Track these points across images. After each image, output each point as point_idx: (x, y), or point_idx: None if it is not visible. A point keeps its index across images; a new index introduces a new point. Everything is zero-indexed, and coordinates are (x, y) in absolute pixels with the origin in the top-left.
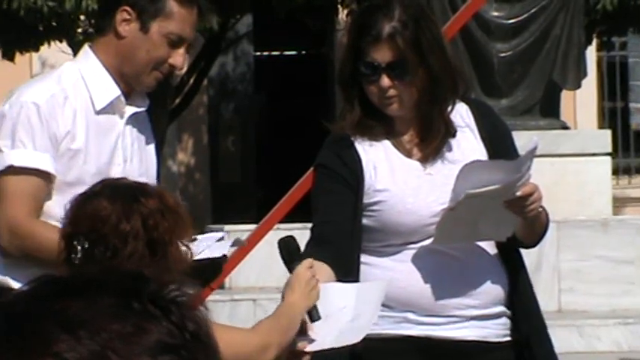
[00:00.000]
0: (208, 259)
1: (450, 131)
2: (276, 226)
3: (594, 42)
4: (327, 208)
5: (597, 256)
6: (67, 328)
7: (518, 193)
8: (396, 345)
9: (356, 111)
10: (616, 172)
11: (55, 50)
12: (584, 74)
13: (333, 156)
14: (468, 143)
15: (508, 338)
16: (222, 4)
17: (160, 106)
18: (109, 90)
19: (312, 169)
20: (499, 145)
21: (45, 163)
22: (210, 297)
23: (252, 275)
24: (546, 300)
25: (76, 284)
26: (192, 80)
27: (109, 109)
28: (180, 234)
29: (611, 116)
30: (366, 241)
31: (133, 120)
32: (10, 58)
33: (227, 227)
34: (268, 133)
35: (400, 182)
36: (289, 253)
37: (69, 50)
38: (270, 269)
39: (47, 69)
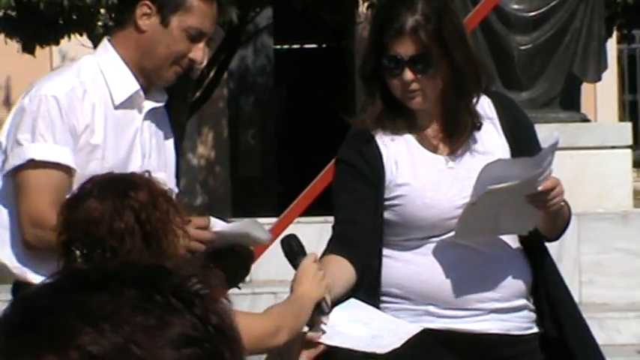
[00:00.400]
0: (234, 249)
1: (476, 124)
2: (296, 220)
3: (614, 35)
4: (348, 207)
5: (617, 248)
6: (90, 321)
7: (540, 188)
8: (416, 338)
9: (378, 105)
10: (636, 164)
11: (75, 44)
12: (605, 67)
13: (354, 152)
14: (490, 137)
15: (532, 331)
16: None
17: (180, 99)
18: (128, 84)
19: (332, 162)
20: (521, 137)
21: (65, 157)
22: (231, 290)
23: (272, 269)
24: None
25: (99, 277)
26: (212, 73)
27: (127, 103)
28: (174, 219)
29: (632, 109)
30: (387, 234)
31: (151, 115)
32: (31, 51)
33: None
34: (288, 127)
35: (421, 176)
36: (292, 250)
37: (89, 44)
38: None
39: (67, 62)
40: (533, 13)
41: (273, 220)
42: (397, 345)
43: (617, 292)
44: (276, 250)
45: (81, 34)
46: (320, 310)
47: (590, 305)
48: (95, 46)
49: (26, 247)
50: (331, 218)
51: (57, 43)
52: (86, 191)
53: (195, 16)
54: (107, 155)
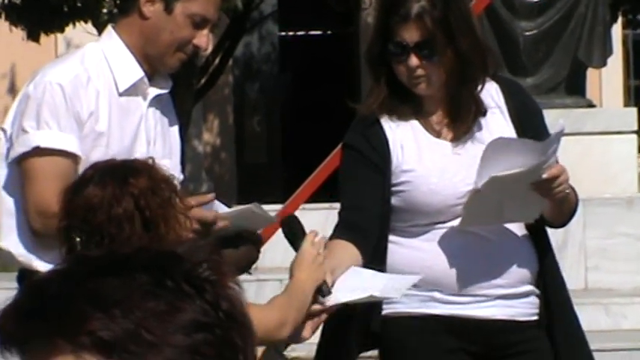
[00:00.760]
0: (242, 235)
1: (481, 110)
2: (302, 206)
3: (619, 20)
4: (354, 193)
5: (623, 233)
6: (101, 307)
7: (545, 176)
8: (422, 324)
9: (384, 90)
10: None
11: (80, 31)
12: (610, 52)
13: (360, 137)
14: (496, 124)
15: (536, 317)
16: None
17: (185, 86)
18: (133, 71)
19: (338, 148)
20: (528, 124)
21: (71, 144)
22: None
23: (277, 256)
24: (573, 278)
25: (110, 263)
26: (217, 60)
27: (132, 90)
28: (175, 205)
29: (637, 94)
30: (393, 220)
31: (156, 102)
32: (35, 39)
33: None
34: (294, 113)
35: (426, 162)
36: (293, 232)
37: (94, 31)
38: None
39: (72, 50)
40: None
41: (279, 206)
42: (401, 292)
43: (623, 277)
44: (281, 237)
45: (86, 22)
46: (321, 292)
47: (596, 290)
48: (100, 33)
49: (33, 234)
50: (337, 204)
51: (62, 31)
52: (86, 178)
53: (199, 3)
54: (112, 142)
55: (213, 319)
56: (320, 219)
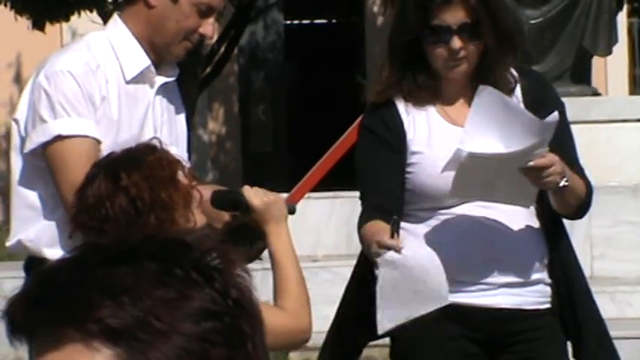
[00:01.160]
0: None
1: (505, 93)
2: (307, 195)
3: (625, 8)
4: (374, 176)
5: (628, 222)
6: (110, 295)
7: (531, 164)
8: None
9: (406, 74)
10: None
11: (85, 20)
12: (615, 40)
13: (377, 119)
14: None
15: (547, 306)
16: None
17: (190, 75)
18: (139, 59)
19: (343, 137)
20: (544, 114)
21: (91, 129)
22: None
23: None
24: None
25: (119, 251)
26: (222, 49)
27: (139, 78)
28: (178, 181)
29: None
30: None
31: (162, 90)
32: (41, 28)
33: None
34: (299, 102)
35: (435, 146)
36: (227, 202)
37: (99, 20)
38: (301, 238)
39: (77, 39)
40: None
41: (285, 195)
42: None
43: (629, 265)
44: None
45: (91, 11)
46: (289, 212)
47: (601, 279)
48: (105, 22)
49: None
50: (342, 193)
51: (67, 20)
52: (87, 177)
53: None
54: (121, 130)
55: (222, 308)
56: (325, 208)
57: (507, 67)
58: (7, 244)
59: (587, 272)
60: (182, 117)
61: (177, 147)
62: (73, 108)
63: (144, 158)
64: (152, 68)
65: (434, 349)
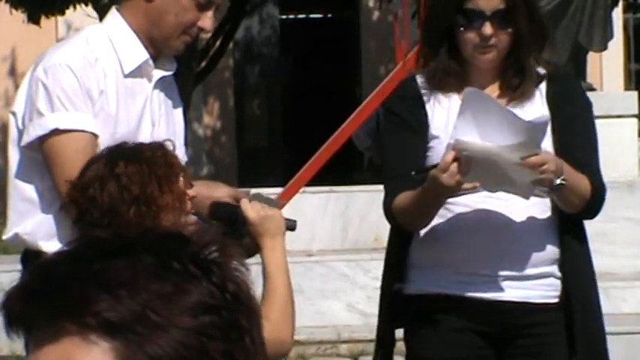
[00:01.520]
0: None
1: (530, 88)
2: (302, 189)
3: (620, 3)
4: (396, 159)
5: (623, 217)
6: (107, 288)
7: (519, 160)
8: (432, 303)
9: (439, 59)
10: None
11: (80, 14)
12: (611, 36)
13: (400, 102)
14: (532, 104)
15: (556, 300)
16: None
17: (185, 69)
18: (138, 53)
19: (338, 132)
20: (563, 111)
21: (88, 124)
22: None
23: None
24: None
25: (116, 245)
26: (217, 43)
27: (137, 72)
28: (174, 185)
29: (638, 78)
30: None
31: (160, 84)
32: (36, 21)
33: (253, 190)
34: (294, 97)
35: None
36: (223, 214)
37: (94, 14)
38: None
39: (73, 33)
40: None
41: (280, 189)
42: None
43: (623, 261)
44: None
45: (86, 4)
46: (289, 228)
47: (596, 274)
48: (100, 16)
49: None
50: (337, 188)
51: (62, 14)
52: (92, 158)
53: None
54: (119, 124)
55: (219, 301)
56: (320, 202)
57: (536, 59)
58: (4, 237)
59: None
60: (179, 111)
61: (175, 141)
62: (71, 102)
63: (147, 153)
64: (150, 62)
65: (439, 342)
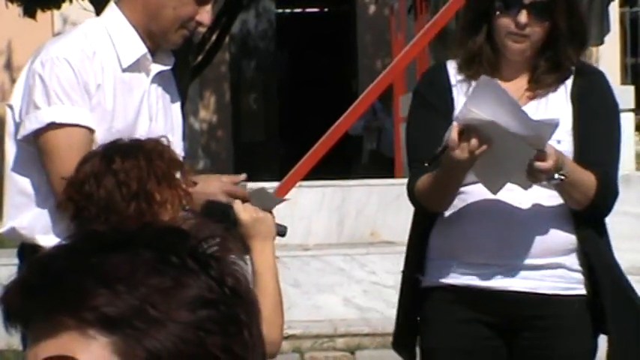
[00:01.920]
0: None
1: (557, 85)
2: (298, 184)
3: None
4: (420, 142)
5: (620, 211)
6: (106, 283)
7: (530, 159)
8: (439, 294)
9: (475, 44)
10: (639, 128)
11: (76, 7)
12: (607, 30)
13: (427, 84)
14: (557, 100)
15: (572, 292)
16: None
17: (181, 63)
18: (136, 47)
19: (335, 126)
20: (587, 109)
21: (84, 118)
22: None
23: None
24: None
25: (115, 239)
26: (214, 37)
27: (135, 66)
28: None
29: (634, 72)
30: None
31: (158, 78)
32: (32, 15)
33: (249, 185)
34: (290, 91)
35: None
36: (216, 214)
37: (90, 8)
38: (293, 227)
39: (69, 27)
40: None
41: (276, 183)
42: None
43: (620, 255)
44: (278, 214)
45: None
46: (280, 234)
47: None
48: (97, 10)
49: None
50: (333, 182)
51: (58, 7)
52: (88, 154)
53: None
54: (116, 118)
55: (218, 296)
56: (317, 196)
57: (572, 57)
58: (1, 230)
59: None
60: (177, 105)
61: (173, 136)
62: (68, 96)
63: (145, 149)
64: (148, 56)
65: (445, 333)
